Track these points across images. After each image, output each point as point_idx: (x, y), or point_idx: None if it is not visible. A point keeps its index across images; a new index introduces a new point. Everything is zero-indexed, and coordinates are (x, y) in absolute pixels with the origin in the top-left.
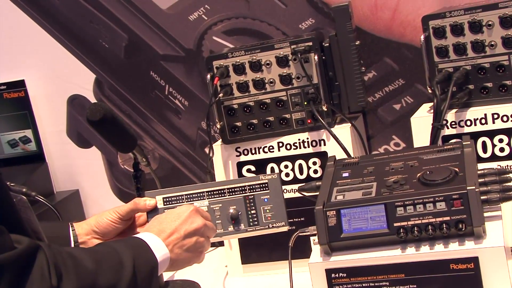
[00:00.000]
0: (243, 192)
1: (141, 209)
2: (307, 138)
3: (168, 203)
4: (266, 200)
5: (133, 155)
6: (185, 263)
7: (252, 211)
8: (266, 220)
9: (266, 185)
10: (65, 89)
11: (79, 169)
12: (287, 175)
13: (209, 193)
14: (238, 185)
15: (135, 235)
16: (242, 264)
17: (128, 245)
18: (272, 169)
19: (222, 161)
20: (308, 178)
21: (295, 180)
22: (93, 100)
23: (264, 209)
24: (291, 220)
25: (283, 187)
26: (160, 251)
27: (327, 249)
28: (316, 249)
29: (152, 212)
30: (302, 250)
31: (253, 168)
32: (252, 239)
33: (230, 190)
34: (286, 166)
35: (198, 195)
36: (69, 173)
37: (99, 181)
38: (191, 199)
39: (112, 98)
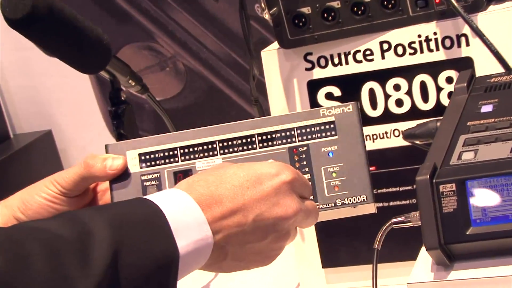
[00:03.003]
0: (288, 139)
1: (97, 175)
2: (434, 34)
3: (149, 162)
4: (331, 154)
5: (108, 76)
6: (238, 267)
7: (305, 176)
8: (330, 192)
9: (331, 126)
10: None
11: (52, 97)
12: (398, 102)
13: (224, 144)
14: (276, 128)
15: (142, 196)
16: (323, 267)
17: (112, 215)
18: (371, 91)
19: (280, 79)
20: (437, 110)
21: (411, 114)
22: None
23: (328, 171)
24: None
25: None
26: (192, 233)
27: (441, 257)
28: (424, 256)
29: (120, 180)
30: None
31: (337, 91)
32: (336, 222)
33: (262, 137)
34: (396, 87)
35: (204, 148)
36: (36, 104)
37: (85, 117)
38: (192, 155)
39: None
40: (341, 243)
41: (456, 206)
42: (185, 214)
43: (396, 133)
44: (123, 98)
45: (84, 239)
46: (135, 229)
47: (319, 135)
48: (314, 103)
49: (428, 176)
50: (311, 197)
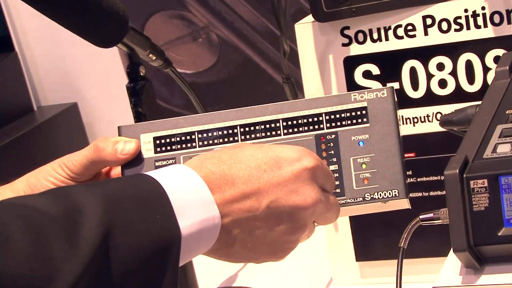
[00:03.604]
0: (315, 126)
1: (107, 159)
2: (483, 9)
3: (164, 147)
4: (361, 144)
5: (126, 49)
6: (246, 258)
7: (332, 167)
8: (359, 185)
9: (363, 112)
10: None
11: (79, 68)
12: (441, 83)
13: (246, 129)
14: (303, 113)
15: (141, 173)
16: (357, 261)
17: (106, 192)
18: (413, 70)
19: (315, 55)
20: (483, 93)
21: (455, 96)
22: None
23: (358, 162)
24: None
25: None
26: (197, 212)
27: (470, 260)
28: (453, 256)
29: (132, 165)
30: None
31: (376, 69)
32: (371, 214)
33: (287, 123)
34: (439, 66)
35: (224, 133)
36: (62, 75)
37: (113, 90)
38: (211, 140)
39: None
40: (376, 236)
41: (487, 204)
42: (189, 192)
43: (439, 116)
44: (142, 74)
45: (73, 216)
46: (131, 207)
47: (349, 122)
48: (350, 82)
49: (458, 171)
50: (337, 190)
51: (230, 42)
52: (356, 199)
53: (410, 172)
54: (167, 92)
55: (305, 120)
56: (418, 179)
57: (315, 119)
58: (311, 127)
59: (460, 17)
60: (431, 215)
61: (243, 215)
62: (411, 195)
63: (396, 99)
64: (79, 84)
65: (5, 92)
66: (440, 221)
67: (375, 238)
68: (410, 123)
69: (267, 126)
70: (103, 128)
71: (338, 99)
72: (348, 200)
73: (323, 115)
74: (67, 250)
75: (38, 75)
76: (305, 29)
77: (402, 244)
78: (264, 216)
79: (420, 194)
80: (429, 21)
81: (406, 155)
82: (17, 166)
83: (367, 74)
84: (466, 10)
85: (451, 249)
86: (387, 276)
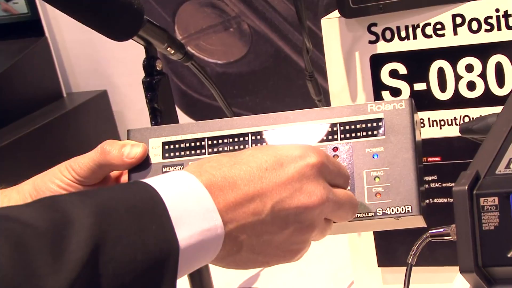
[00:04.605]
0: (328, 136)
1: (113, 163)
2: None
3: (173, 153)
4: (376, 156)
5: (142, 43)
6: (256, 262)
7: None
8: (371, 199)
9: (378, 124)
10: None
11: (110, 55)
12: (470, 85)
13: (257, 137)
14: (318, 122)
15: (138, 180)
16: (379, 266)
17: (99, 201)
18: (441, 71)
19: (340, 51)
20: None
21: (484, 99)
22: None
23: (371, 175)
24: (450, 192)
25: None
26: (197, 222)
27: (478, 282)
28: (460, 280)
29: (139, 170)
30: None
31: (403, 68)
32: None
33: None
34: (468, 68)
35: (235, 141)
36: (92, 61)
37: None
38: (221, 147)
39: None
40: (399, 242)
41: (498, 223)
42: (189, 200)
43: (466, 119)
44: (158, 68)
45: (60, 229)
46: (125, 217)
47: (364, 133)
48: (376, 81)
49: (467, 187)
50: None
51: (261, 33)
52: (367, 214)
53: (435, 177)
54: (198, 82)
55: (316, 130)
56: (443, 184)
57: (329, 129)
58: (324, 138)
59: (491, 17)
60: (441, 230)
61: (248, 219)
62: (435, 200)
63: (414, 111)
64: (109, 71)
65: (35, 77)
66: (450, 237)
67: (397, 244)
68: (437, 125)
69: (277, 133)
70: (133, 117)
71: (353, 109)
72: (359, 215)
73: (338, 125)
74: (51, 265)
75: (69, 61)
76: (331, 24)
77: (410, 260)
78: (270, 219)
79: (445, 200)
80: (458, 20)
81: (431, 159)
82: (45, 152)
83: (393, 73)
84: (497, 10)
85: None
86: (411, 282)
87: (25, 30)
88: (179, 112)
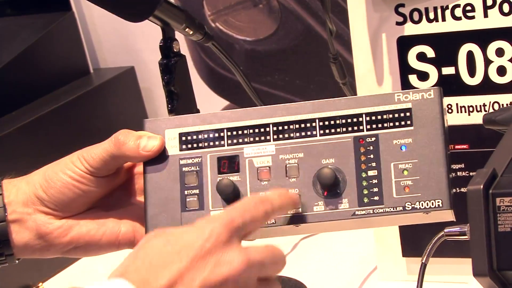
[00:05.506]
0: (354, 127)
1: (128, 155)
2: None
3: (191, 144)
4: (404, 148)
5: (159, 23)
6: None
7: (371, 172)
8: (399, 193)
9: (407, 114)
10: None
11: (138, 30)
12: (500, 70)
13: (279, 127)
14: (342, 113)
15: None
16: (403, 256)
17: None
18: (470, 55)
19: (367, 32)
20: None
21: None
22: None
23: (399, 168)
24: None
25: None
26: None
27: (492, 286)
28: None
29: (155, 163)
30: None
31: (431, 51)
32: None
33: (324, 123)
34: (499, 52)
35: (256, 132)
36: (119, 37)
37: None
38: (241, 138)
39: None
40: (424, 231)
41: None
42: None
43: (496, 106)
44: (175, 50)
45: None
46: None
47: (391, 124)
48: (404, 64)
49: (483, 186)
50: (374, 198)
51: (291, 10)
52: (396, 208)
53: (462, 165)
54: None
55: (343, 121)
56: (471, 173)
57: (355, 119)
58: (349, 128)
59: None
60: (457, 229)
61: None
62: (463, 189)
63: (443, 101)
64: (137, 46)
65: (61, 53)
66: (465, 237)
67: (422, 234)
68: (465, 112)
69: (302, 125)
70: (160, 94)
71: (380, 99)
72: (387, 209)
73: (363, 115)
74: None
75: (96, 36)
76: (357, 4)
77: (424, 260)
78: None
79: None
80: (489, 1)
81: (458, 147)
82: (71, 128)
83: (421, 57)
84: None
85: None
86: (434, 274)
87: (51, 4)
88: (207, 90)
